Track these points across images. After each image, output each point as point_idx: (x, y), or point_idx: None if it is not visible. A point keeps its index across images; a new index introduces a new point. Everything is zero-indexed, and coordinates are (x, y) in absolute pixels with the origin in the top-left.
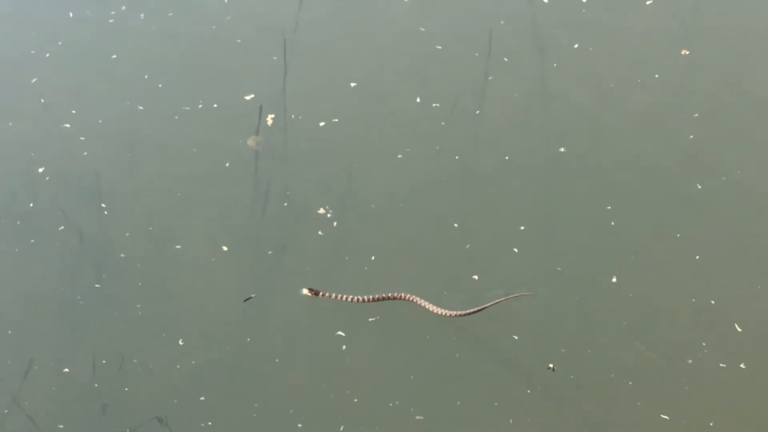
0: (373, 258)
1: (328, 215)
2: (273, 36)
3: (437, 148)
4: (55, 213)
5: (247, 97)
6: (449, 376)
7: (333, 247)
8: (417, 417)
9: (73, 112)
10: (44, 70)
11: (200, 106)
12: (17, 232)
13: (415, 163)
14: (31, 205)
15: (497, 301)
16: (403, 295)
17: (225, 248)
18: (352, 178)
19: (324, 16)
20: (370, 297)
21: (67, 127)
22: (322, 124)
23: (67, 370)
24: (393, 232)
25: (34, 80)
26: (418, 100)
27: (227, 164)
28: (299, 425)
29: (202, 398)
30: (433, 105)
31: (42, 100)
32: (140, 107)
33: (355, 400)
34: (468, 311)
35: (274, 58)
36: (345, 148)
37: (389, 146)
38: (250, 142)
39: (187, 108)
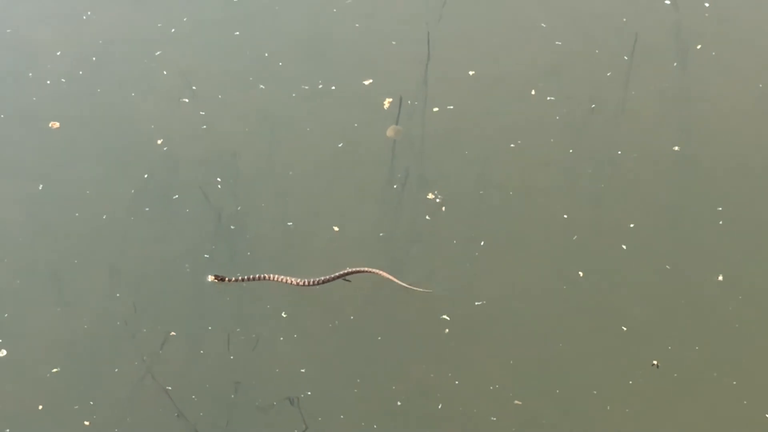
0: (482, 243)
1: (437, 200)
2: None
3: (551, 140)
4: (194, 191)
5: (366, 82)
6: (550, 364)
7: (440, 231)
8: (515, 402)
9: (194, 87)
10: (168, 44)
11: (320, 86)
12: (156, 208)
13: (528, 154)
14: (163, 183)
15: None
16: (361, 269)
17: (336, 228)
18: (467, 164)
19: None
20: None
21: (185, 102)
22: (435, 109)
23: (202, 351)
24: (499, 221)
25: (158, 53)
26: (533, 92)
27: (342, 145)
28: (398, 403)
29: (332, 382)
30: (548, 98)
31: (164, 72)
32: (261, 86)
33: (456, 382)
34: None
35: (392, 43)
36: (462, 136)
37: (503, 135)
38: (389, 131)
39: (306, 87)
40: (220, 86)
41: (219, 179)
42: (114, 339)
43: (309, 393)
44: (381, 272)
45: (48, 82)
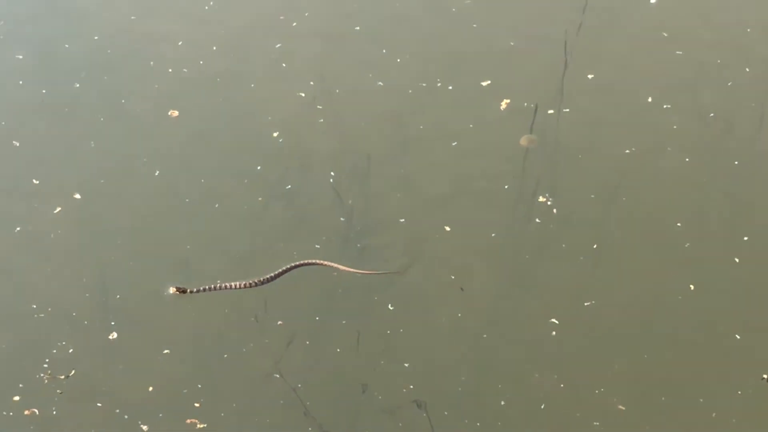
0: (594, 246)
1: (548, 203)
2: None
3: (669, 149)
4: (324, 187)
5: (484, 83)
6: (656, 371)
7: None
8: (619, 407)
9: (311, 83)
10: (289, 37)
11: (438, 84)
12: (271, 199)
13: (643, 161)
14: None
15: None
16: (305, 262)
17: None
18: (579, 169)
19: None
20: (260, 279)
21: (302, 96)
22: (551, 111)
23: (330, 349)
24: (611, 227)
25: (278, 45)
26: (649, 99)
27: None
28: (502, 402)
29: (459, 387)
30: (664, 106)
31: (283, 65)
32: (379, 83)
33: (562, 385)
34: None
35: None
36: (569, 139)
37: (618, 142)
38: (523, 140)
39: (424, 84)
40: (338, 81)
41: (332, 173)
42: (244, 332)
43: (436, 397)
44: (329, 263)
45: (170, 70)
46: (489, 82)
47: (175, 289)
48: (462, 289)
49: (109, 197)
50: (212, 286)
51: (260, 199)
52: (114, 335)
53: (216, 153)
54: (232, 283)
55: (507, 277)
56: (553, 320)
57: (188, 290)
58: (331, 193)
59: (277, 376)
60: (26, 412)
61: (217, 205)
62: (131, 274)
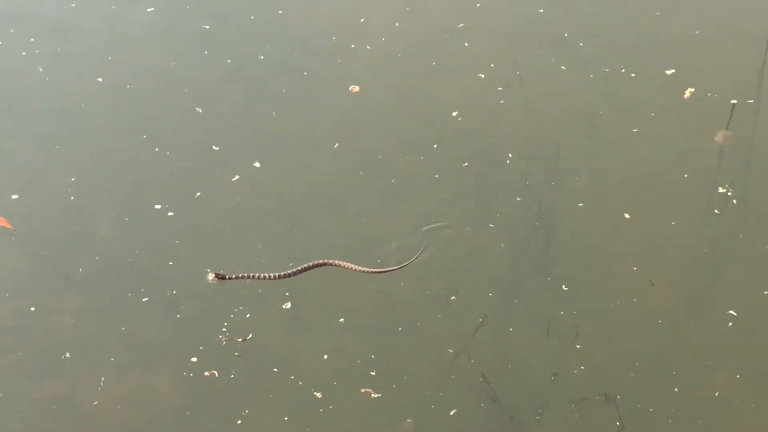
0: None
1: (729, 193)
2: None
3: None
4: (500, 167)
5: (668, 72)
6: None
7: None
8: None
9: (491, 65)
10: (473, 19)
11: (622, 70)
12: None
13: None
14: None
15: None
16: (322, 261)
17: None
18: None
19: None
20: (286, 273)
21: (481, 77)
22: (750, 101)
23: (520, 338)
24: None
25: (461, 26)
26: None
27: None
28: (675, 389)
29: (648, 381)
30: None
31: (465, 44)
32: (563, 67)
33: (737, 376)
34: (390, 268)
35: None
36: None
37: None
38: (718, 137)
39: (607, 70)
40: (519, 64)
41: (510, 154)
42: (430, 310)
43: (623, 389)
44: (343, 263)
45: (352, 46)
46: (673, 70)
47: (214, 275)
48: (652, 283)
49: (287, 168)
50: (247, 274)
51: (436, 176)
52: (287, 305)
53: (394, 129)
54: (264, 274)
55: (687, 266)
56: (731, 312)
57: (227, 276)
58: (507, 174)
59: (458, 357)
60: (206, 374)
61: (393, 180)
62: (307, 245)
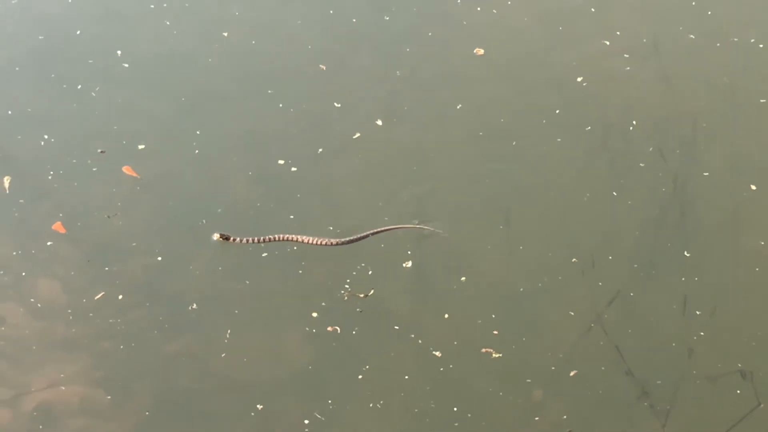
0: None
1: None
2: None
3: None
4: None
5: None
6: None
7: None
8: None
9: (617, 32)
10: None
11: (752, 41)
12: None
13: None
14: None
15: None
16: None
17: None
18: None
19: None
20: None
21: (606, 44)
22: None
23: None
24: None
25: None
26: None
27: None
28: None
29: None
30: None
31: (592, 10)
32: (691, 36)
33: None
34: (348, 239)
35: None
36: None
37: None
38: None
39: (736, 39)
40: (645, 31)
41: (634, 122)
42: (559, 277)
43: (765, 368)
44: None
45: (478, 9)
46: None
47: (218, 236)
48: None
49: (409, 127)
50: (255, 238)
51: (559, 140)
52: (408, 264)
53: (518, 92)
54: (300, 237)
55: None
56: None
57: (231, 238)
58: (629, 141)
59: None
60: (329, 329)
61: (514, 143)
62: (425, 204)
